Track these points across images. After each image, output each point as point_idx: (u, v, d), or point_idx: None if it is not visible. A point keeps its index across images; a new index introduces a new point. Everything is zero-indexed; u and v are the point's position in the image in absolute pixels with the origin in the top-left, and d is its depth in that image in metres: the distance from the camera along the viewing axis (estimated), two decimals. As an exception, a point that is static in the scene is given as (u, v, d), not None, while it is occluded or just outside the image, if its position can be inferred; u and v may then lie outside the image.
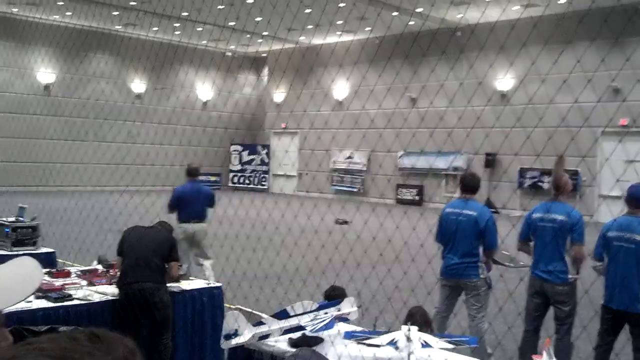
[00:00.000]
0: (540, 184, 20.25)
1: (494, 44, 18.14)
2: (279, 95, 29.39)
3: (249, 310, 4.78)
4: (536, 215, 5.53)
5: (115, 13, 20.70)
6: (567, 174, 20.72)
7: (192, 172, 8.48)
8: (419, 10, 18.39)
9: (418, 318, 5.05)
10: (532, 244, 5.59)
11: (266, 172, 29.14)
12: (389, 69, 21.64)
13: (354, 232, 4.97)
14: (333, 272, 6.05)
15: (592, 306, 5.40)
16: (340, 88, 26.29)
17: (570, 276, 5.34)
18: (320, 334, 4.03)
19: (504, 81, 21.50)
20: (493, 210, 19.81)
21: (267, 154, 29.16)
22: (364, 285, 5.88)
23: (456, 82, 20.88)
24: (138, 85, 27.13)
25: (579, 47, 16.84)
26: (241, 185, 28.69)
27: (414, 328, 3.87)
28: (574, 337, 5.44)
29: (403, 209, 6.04)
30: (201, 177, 30.86)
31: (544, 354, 3.44)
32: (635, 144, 18.12)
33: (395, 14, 17.21)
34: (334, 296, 4.81)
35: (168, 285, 5.26)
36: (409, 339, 3.67)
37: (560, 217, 5.33)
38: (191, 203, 8.05)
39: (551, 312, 5.54)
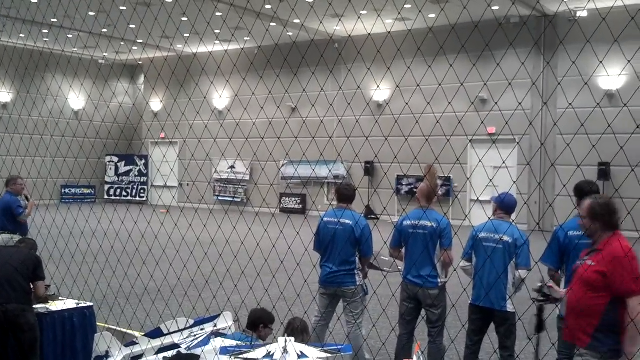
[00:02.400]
0: (415, 190, 21.04)
1: (369, 55, 18.66)
2: (156, 104, 28.71)
3: (121, 329, 4.61)
4: (407, 222, 5.73)
5: (-24, 17, 19.41)
6: (440, 180, 21.40)
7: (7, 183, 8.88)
8: (296, 21, 18.63)
9: (297, 328, 5.10)
10: (403, 250, 5.78)
11: (144, 184, 28.32)
12: (269, 78, 21.74)
13: (238, 241, 4.93)
14: (217, 284, 5.96)
15: (460, 308, 5.65)
16: (220, 97, 26.08)
17: (440, 280, 5.57)
18: (195, 351, 3.95)
19: (380, 91, 22.20)
20: (373, 216, 20.49)
21: (145, 164, 28.36)
22: (249, 295, 5.84)
23: (334, 92, 21.34)
24: (3, 94, 25.58)
25: (450, 59, 17.71)
26: (118, 198, 27.71)
27: (291, 339, 3.89)
28: (446, 338, 5.68)
29: (287, 218, 6.11)
30: (73, 190, 29.22)
31: (414, 357, 3.56)
32: (502, 151, 19.31)
33: (272, 24, 17.34)
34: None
35: (35, 306, 4.97)
36: (285, 351, 3.67)
37: (430, 224, 5.55)
38: None
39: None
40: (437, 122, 6.79)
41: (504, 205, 5.46)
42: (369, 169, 22.15)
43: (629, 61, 4.95)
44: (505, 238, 5.26)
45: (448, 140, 4.52)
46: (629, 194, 16.43)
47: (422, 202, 5.68)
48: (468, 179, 19.60)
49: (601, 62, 5.04)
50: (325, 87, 20.64)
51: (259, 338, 5.09)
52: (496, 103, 6.01)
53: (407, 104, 7.03)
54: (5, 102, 25.61)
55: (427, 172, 5.80)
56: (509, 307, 5.26)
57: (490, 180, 4.66)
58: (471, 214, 19.25)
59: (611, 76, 17.71)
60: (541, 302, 4.45)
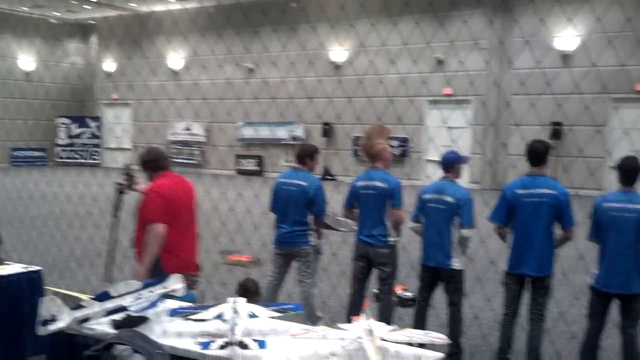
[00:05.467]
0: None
1: (328, 16, 18.48)
2: (109, 64, 28.00)
3: (69, 293, 4.54)
4: (359, 183, 5.76)
5: None
6: (397, 141, 21.60)
7: None
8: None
9: (249, 289, 5.11)
10: (356, 210, 5.82)
11: (98, 146, 27.80)
12: (227, 38, 21.36)
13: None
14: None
15: (413, 266, 5.74)
16: (176, 57, 25.57)
17: (391, 239, 5.63)
18: (145, 313, 3.92)
19: (338, 53, 22.05)
20: (330, 177, 20.56)
21: (98, 126, 27.79)
22: (206, 257, 5.82)
23: (293, 53, 21.11)
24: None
25: (407, 20, 17.64)
26: (70, 160, 27.14)
27: (242, 299, 3.89)
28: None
29: (244, 179, 6.03)
30: (23, 152, 28.64)
31: (363, 314, 3.60)
32: (458, 111, 19.48)
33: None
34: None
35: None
36: (235, 311, 3.67)
37: (380, 184, 5.59)
38: None
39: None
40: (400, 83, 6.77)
41: (442, 163, 5.54)
42: (327, 130, 22.14)
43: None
44: (448, 199, 5.33)
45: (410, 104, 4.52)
46: (582, 153, 16.78)
47: (368, 161, 5.72)
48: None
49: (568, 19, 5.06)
50: (284, 47, 20.38)
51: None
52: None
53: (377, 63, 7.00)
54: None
55: (382, 132, 5.82)
56: (455, 265, 5.37)
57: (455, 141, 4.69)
58: (427, 174, 19.48)
59: (567, 37, 17.92)
60: None
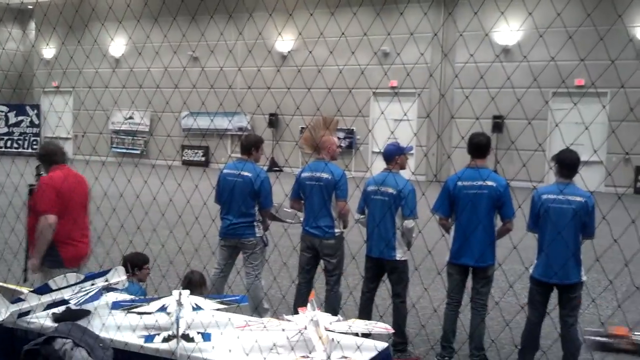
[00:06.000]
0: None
1: (272, 3, 18.33)
2: (49, 51, 27.17)
3: (7, 285, 4.41)
4: (304, 174, 5.78)
5: None
6: (343, 133, 21.55)
7: None
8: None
9: (194, 281, 5.08)
10: (302, 202, 5.83)
11: (37, 135, 26.99)
12: (169, 25, 20.99)
13: (134, 195, 4.79)
14: (110, 238, 5.80)
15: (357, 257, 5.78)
16: (118, 45, 24.99)
17: (337, 230, 5.67)
18: (86, 306, 3.85)
19: (284, 42, 21.96)
20: (277, 169, 20.50)
21: (38, 115, 26.97)
22: (146, 249, 5.72)
23: (237, 41, 20.91)
24: None
25: (353, 10, 17.69)
26: (8, 150, 26.27)
27: (186, 292, 3.85)
28: (343, 287, 5.82)
29: (188, 170, 6.00)
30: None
31: (309, 305, 3.62)
32: (403, 104, 19.69)
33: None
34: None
35: None
36: (179, 304, 3.64)
37: (325, 176, 5.62)
38: None
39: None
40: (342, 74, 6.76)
41: (383, 155, 5.60)
42: (273, 121, 22.05)
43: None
44: (390, 190, 5.40)
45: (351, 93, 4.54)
46: (522, 146, 17.29)
47: (312, 153, 5.75)
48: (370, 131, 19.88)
49: (502, 13, 5.16)
50: (229, 36, 20.17)
51: (139, 281, 5.15)
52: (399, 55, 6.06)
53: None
54: None
55: (316, 123, 5.85)
56: (398, 256, 5.44)
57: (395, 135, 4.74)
58: (373, 166, 19.67)
59: (508, 31, 18.31)
60: None
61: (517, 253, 3.82)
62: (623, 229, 3.49)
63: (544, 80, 15.90)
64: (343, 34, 4.63)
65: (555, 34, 14.65)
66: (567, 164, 5.00)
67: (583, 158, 5.06)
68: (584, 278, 4.96)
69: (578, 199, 4.90)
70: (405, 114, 18.70)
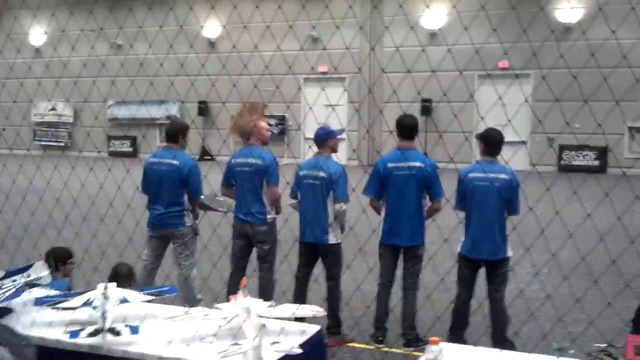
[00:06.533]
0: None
1: (199, -10, 18.06)
2: (-36, 40, 25.88)
3: None
4: (235, 160, 5.70)
5: None
6: (275, 119, 21.42)
7: None
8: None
9: (121, 273, 4.94)
10: (234, 188, 5.76)
11: (-45, 129, 25.74)
12: (90, 14, 20.31)
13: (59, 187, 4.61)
14: (38, 231, 5.60)
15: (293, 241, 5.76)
16: (39, 33, 24.03)
17: (269, 216, 5.63)
18: (8, 304, 3.69)
19: (212, 29, 21.62)
20: (209, 157, 20.23)
21: (-45, 107, 25.72)
22: (76, 241, 5.54)
23: (167, 28, 20.42)
24: None
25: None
26: None
27: (112, 285, 3.74)
28: (278, 272, 5.80)
29: (116, 161, 5.83)
30: None
31: (240, 292, 3.58)
32: (334, 89, 19.76)
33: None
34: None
35: None
36: (105, 297, 3.53)
37: (255, 161, 5.56)
38: None
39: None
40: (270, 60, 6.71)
41: (314, 139, 5.61)
42: (203, 109, 21.73)
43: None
44: (322, 174, 5.40)
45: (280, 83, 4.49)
46: (450, 129, 17.66)
47: (242, 139, 5.69)
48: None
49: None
50: (155, 23, 19.69)
51: (64, 276, 4.99)
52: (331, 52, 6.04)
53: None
54: None
55: (243, 109, 5.79)
56: (331, 240, 5.46)
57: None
58: (306, 151, 19.66)
59: (433, 16, 18.59)
60: None
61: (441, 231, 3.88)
62: (546, 205, 3.58)
63: (470, 64, 16.22)
64: (268, 26, 4.56)
65: (479, 17, 14.97)
66: (491, 142, 5.12)
67: (508, 138, 5.20)
68: (509, 254, 5.10)
69: (502, 176, 5.02)
70: (333, 107, 18.79)
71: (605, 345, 3.22)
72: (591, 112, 5.10)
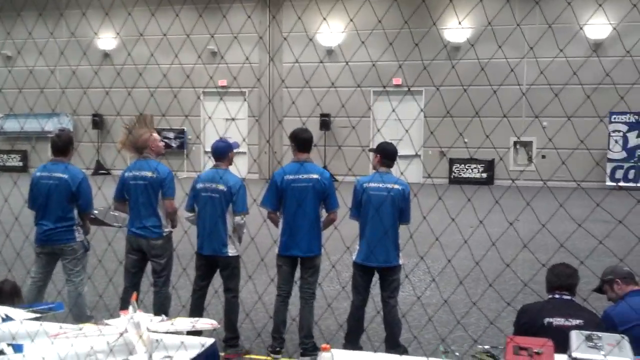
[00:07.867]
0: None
1: (94, 3, 17.50)
2: None
3: None
4: (128, 173, 5.57)
5: None
6: (174, 132, 21.05)
7: None
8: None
9: (4, 291, 4.68)
10: (127, 202, 5.62)
11: None
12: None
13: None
14: None
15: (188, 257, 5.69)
16: None
17: (165, 230, 5.53)
18: None
19: (107, 41, 21.06)
20: (104, 171, 19.59)
21: None
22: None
23: (61, 40, 19.68)
24: None
25: (177, 10, 17.36)
26: None
27: (-7, 303, 3.56)
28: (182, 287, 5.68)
29: (3, 176, 5.55)
30: None
31: (130, 307, 3.49)
32: (233, 103, 19.70)
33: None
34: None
35: None
36: (-15, 316, 3.35)
37: (149, 174, 5.46)
38: None
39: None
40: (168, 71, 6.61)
41: (212, 152, 5.58)
42: (97, 122, 21.07)
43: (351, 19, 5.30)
44: (221, 187, 5.38)
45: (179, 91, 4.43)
46: (347, 143, 18.01)
47: (135, 153, 5.58)
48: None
49: (324, 18, 5.31)
50: (47, 34, 18.92)
51: None
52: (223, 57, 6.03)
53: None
54: None
55: (145, 122, 5.68)
56: (230, 252, 5.43)
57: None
58: (206, 165, 19.44)
59: (330, 33, 18.95)
60: None
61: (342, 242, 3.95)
62: (438, 215, 3.72)
63: (366, 80, 16.69)
64: (165, 35, 4.51)
65: (375, 35, 15.43)
66: (387, 154, 5.31)
67: (402, 152, 5.39)
68: (401, 261, 5.27)
69: (396, 186, 5.20)
70: (233, 119, 18.73)
71: (488, 347, 3.39)
72: (481, 126, 5.39)
